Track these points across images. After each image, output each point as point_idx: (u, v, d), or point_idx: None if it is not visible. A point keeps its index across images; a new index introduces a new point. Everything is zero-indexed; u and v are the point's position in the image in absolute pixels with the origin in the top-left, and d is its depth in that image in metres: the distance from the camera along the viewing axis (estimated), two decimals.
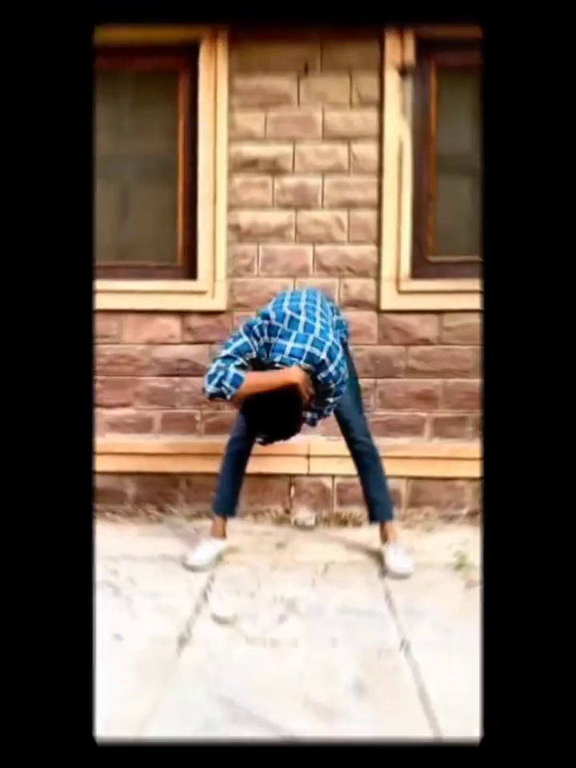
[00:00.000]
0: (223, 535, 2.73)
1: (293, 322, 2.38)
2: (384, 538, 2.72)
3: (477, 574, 2.52)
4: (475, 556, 2.67)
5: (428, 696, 1.77)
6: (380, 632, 2.12)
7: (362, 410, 2.77)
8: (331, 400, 2.43)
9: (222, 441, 3.03)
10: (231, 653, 1.98)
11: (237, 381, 2.29)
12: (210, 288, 3.37)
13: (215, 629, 2.13)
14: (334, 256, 3.34)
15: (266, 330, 2.37)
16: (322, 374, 2.33)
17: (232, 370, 2.30)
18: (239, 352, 2.35)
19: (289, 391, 2.24)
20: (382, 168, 3.28)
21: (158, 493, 3.40)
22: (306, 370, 2.30)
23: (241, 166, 3.35)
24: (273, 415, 2.25)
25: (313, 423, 2.53)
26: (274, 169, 3.34)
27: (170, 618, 2.19)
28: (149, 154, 3.48)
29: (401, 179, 3.28)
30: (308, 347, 2.31)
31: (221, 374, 2.30)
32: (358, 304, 3.35)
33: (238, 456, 2.71)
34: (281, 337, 2.36)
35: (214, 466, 2.89)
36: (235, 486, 2.74)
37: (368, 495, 2.76)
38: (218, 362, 2.34)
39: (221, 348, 2.42)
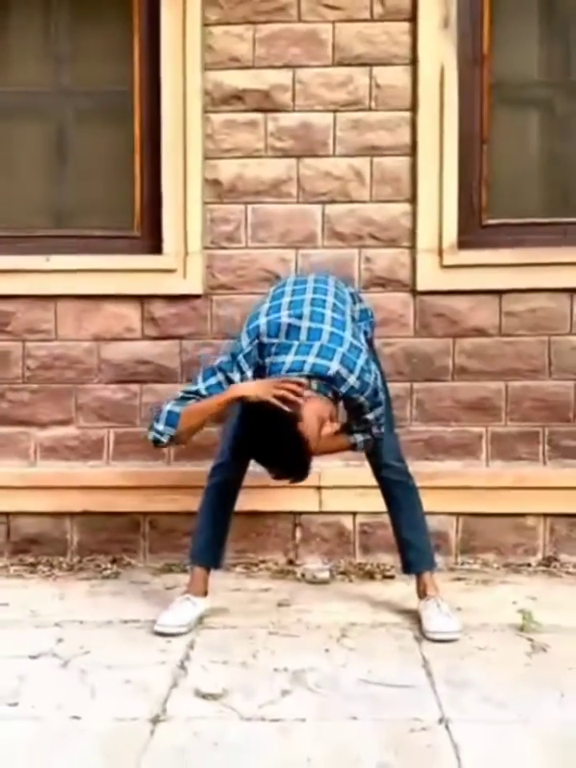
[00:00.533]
0: (204, 592, 2.94)
1: (291, 332, 2.62)
2: (422, 593, 2.93)
3: (545, 637, 2.73)
4: (546, 614, 2.88)
5: None
6: (413, 707, 2.32)
7: (392, 425, 3.00)
8: (370, 416, 2.65)
9: (197, 469, 3.26)
10: (220, 732, 2.19)
11: (172, 419, 2.57)
12: (180, 264, 3.52)
13: (198, 705, 2.35)
14: (351, 219, 3.53)
15: (255, 353, 2.61)
16: (342, 389, 2.56)
17: (168, 407, 2.58)
18: (205, 393, 2.59)
19: (273, 414, 2.42)
20: (417, 100, 3.47)
21: (111, 539, 3.56)
22: (327, 380, 2.52)
23: (221, 100, 3.52)
24: (272, 448, 2.44)
25: (365, 446, 2.76)
26: (267, 104, 3.52)
27: (140, 694, 2.41)
28: (94, 86, 3.66)
29: (443, 115, 3.46)
30: (311, 359, 2.55)
31: (154, 415, 2.61)
32: (386, 284, 3.54)
33: (223, 488, 2.92)
34: (277, 353, 2.60)
35: (188, 503, 3.09)
36: (220, 528, 2.95)
37: (401, 538, 2.98)
38: (166, 403, 2.62)
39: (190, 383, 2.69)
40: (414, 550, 2.94)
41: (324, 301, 2.70)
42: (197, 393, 2.61)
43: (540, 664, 2.60)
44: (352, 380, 2.54)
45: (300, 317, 2.62)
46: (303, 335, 2.58)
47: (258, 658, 2.66)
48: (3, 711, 2.31)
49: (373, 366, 2.64)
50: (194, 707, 2.34)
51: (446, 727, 2.22)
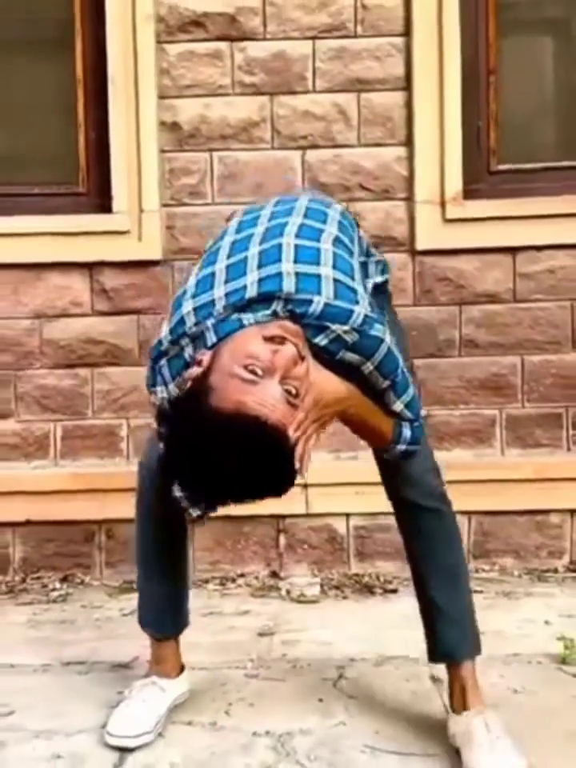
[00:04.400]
0: (178, 669, 2.12)
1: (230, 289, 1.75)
2: (459, 701, 1.92)
3: None
4: None
5: None
6: None
7: (418, 409, 1.96)
8: (398, 404, 1.79)
9: None
10: None
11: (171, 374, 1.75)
12: (134, 225, 3.27)
13: None
14: (336, 167, 3.27)
15: (187, 348, 1.74)
16: (347, 355, 1.71)
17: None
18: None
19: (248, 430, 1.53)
20: (411, 24, 3.21)
21: (60, 553, 3.27)
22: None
23: (178, 27, 3.27)
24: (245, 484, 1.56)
25: (407, 450, 1.84)
26: (233, 31, 3.25)
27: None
28: (27, 13, 3.41)
29: (442, 41, 3.20)
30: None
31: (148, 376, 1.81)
32: (379, 243, 3.23)
33: (165, 511, 1.94)
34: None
35: None
36: (172, 576, 2.11)
37: (430, 601, 1.99)
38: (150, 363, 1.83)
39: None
40: (450, 623, 1.94)
41: (283, 225, 1.82)
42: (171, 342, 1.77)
43: None
44: (350, 336, 1.67)
45: (243, 276, 1.73)
46: (252, 291, 1.70)
47: (231, 715, 2.10)
48: None
49: (381, 320, 1.74)
50: None
51: None
